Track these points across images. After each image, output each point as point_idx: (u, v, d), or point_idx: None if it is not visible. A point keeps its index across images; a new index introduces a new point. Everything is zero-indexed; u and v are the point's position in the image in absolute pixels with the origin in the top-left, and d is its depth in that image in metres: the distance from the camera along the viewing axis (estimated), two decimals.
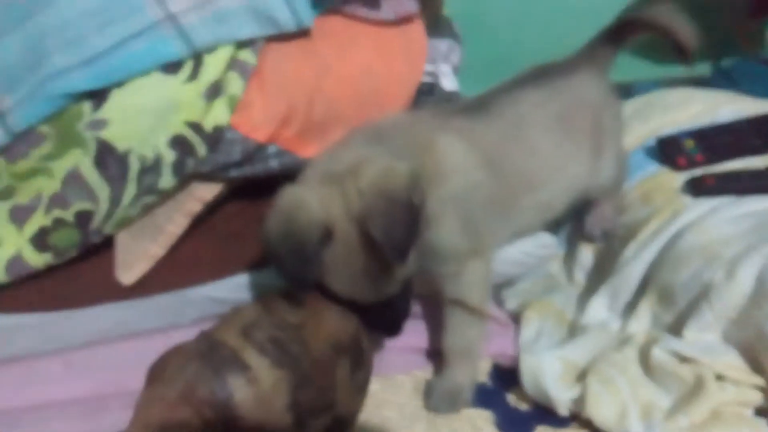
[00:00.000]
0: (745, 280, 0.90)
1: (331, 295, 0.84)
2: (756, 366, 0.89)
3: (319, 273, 0.79)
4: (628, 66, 1.72)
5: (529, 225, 1.01)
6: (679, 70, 1.70)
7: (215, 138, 0.86)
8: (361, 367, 0.82)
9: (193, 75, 0.83)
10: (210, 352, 0.72)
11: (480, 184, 0.90)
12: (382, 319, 0.85)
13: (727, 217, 1.01)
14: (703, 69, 1.72)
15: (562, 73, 1.03)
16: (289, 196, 0.79)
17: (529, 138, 0.96)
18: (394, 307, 0.84)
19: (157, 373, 0.73)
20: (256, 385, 0.70)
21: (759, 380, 0.88)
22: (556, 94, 1.00)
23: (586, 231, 1.14)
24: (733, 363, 0.90)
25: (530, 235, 1.03)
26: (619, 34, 1.11)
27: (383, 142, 0.85)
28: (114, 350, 0.94)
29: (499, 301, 1.12)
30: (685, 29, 1.06)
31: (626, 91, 1.51)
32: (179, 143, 0.85)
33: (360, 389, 0.83)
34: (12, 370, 0.91)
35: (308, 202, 0.78)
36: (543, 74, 1.03)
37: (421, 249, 0.84)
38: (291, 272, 0.77)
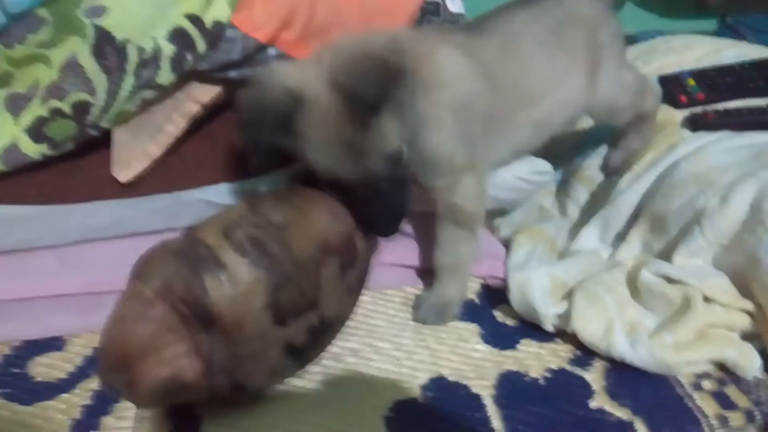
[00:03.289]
0: (739, 205, 0.91)
1: (324, 189, 0.83)
2: (745, 291, 0.90)
3: (298, 147, 0.79)
4: (634, 18, 1.73)
5: (527, 142, 1.01)
6: (684, 24, 1.70)
7: (215, 34, 0.86)
8: (352, 267, 0.82)
9: None
10: (189, 250, 0.73)
11: (478, 95, 0.90)
12: (374, 214, 0.83)
13: (724, 148, 1.01)
14: (709, 25, 1.72)
15: None
16: (267, 67, 0.80)
17: (524, 53, 0.97)
18: (383, 199, 0.82)
19: (139, 269, 0.74)
20: (233, 283, 0.70)
21: (748, 304, 0.88)
22: (547, 10, 1.00)
23: (609, 163, 1.14)
24: (722, 286, 0.90)
25: (528, 155, 1.03)
26: None
27: None
28: (109, 249, 0.95)
29: (492, 229, 1.13)
30: None
31: (631, 40, 1.51)
32: (179, 36, 0.84)
33: (351, 290, 0.83)
34: (6, 262, 0.92)
35: (281, 71, 0.78)
36: None
37: (416, 158, 0.84)
38: (248, 137, 0.77)
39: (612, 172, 1.13)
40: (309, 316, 0.76)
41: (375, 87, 0.73)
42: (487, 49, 0.94)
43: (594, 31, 1.02)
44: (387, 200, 0.82)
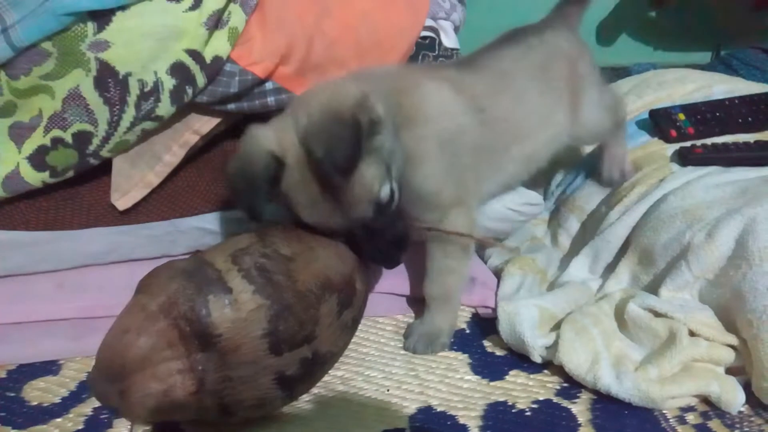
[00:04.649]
0: (724, 241, 0.92)
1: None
2: (730, 325, 0.91)
3: (288, 205, 0.81)
4: (628, 50, 1.75)
5: (517, 175, 1.04)
6: (678, 56, 1.73)
7: (214, 68, 0.88)
8: (350, 307, 0.83)
9: (196, 4, 0.85)
10: (197, 271, 0.74)
11: (466, 129, 0.92)
12: (375, 249, 0.84)
13: (711, 183, 1.03)
14: (703, 58, 1.75)
15: (535, 30, 1.08)
16: (248, 132, 0.82)
17: (515, 89, 1.00)
18: (382, 234, 0.83)
19: (144, 284, 0.76)
20: (236, 308, 0.72)
21: (732, 339, 0.89)
22: (533, 48, 1.05)
23: (604, 176, 1.18)
24: (707, 320, 0.91)
25: (516, 187, 1.06)
26: None
27: (369, 83, 0.84)
28: (106, 274, 0.97)
29: (483, 258, 1.15)
30: None
31: (624, 73, 1.54)
32: (179, 70, 0.87)
33: (346, 328, 0.84)
34: (4, 286, 0.94)
35: (261, 135, 0.80)
36: (518, 33, 1.07)
37: (405, 193, 0.86)
38: (244, 204, 0.79)
39: (617, 182, 1.16)
40: (304, 349, 0.77)
41: (347, 150, 0.74)
42: (478, 84, 0.96)
43: (575, 64, 1.07)
44: (385, 235, 0.84)
